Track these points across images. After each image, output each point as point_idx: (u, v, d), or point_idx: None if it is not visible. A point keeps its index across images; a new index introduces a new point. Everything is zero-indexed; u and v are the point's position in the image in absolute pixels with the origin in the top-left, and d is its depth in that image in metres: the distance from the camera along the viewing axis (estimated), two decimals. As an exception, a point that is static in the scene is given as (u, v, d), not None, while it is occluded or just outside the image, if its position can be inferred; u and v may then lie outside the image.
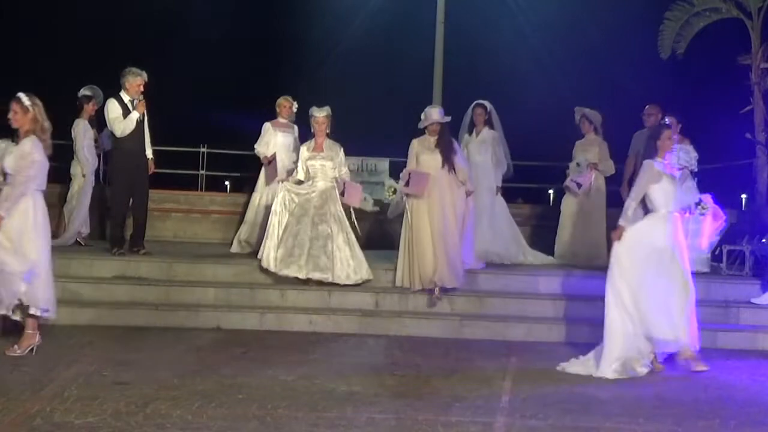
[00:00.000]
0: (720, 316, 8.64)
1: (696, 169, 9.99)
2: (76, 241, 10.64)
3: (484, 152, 10.27)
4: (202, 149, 14.49)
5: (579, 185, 10.33)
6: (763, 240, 9.67)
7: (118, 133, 9.39)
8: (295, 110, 10.68)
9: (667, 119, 10.15)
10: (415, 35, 21.15)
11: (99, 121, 10.57)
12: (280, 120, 10.54)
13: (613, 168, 10.54)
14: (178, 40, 22.76)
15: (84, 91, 10.83)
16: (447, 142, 8.94)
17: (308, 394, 5.94)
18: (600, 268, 9.76)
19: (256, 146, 10.45)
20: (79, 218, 10.64)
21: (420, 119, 9.01)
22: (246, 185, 12.98)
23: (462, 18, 21.00)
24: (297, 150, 9.81)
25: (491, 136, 10.31)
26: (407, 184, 8.88)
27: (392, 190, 9.72)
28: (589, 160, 10.34)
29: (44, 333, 7.61)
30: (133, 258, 9.20)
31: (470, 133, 10.41)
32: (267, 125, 10.54)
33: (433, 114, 8.91)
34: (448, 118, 9.02)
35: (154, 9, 22.21)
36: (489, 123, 10.36)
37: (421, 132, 9.11)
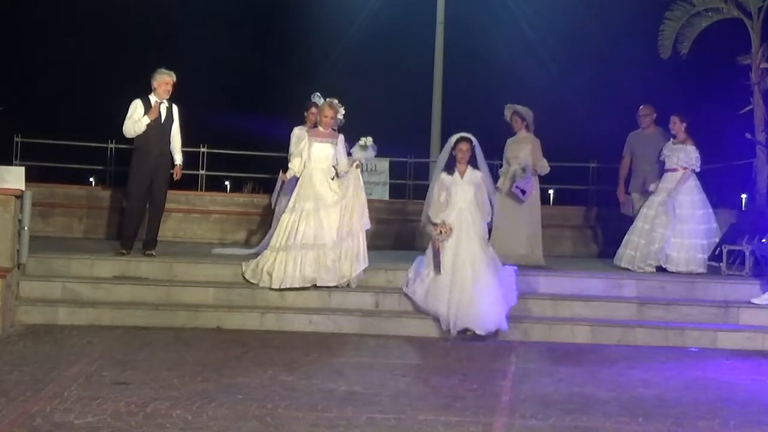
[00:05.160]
0: (720, 316, 8.64)
1: (698, 170, 10.02)
2: None
3: (474, 196, 8.70)
4: (202, 149, 14.52)
5: (523, 192, 9.93)
6: (763, 240, 9.66)
7: (124, 131, 9.41)
8: (341, 117, 9.13)
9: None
10: (415, 36, 21.18)
11: None
12: (320, 129, 9.10)
13: (547, 167, 10.24)
14: (178, 39, 22.76)
15: (312, 98, 10.17)
16: None
17: (308, 394, 5.94)
18: (536, 267, 9.70)
19: (290, 158, 9.20)
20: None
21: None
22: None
23: (462, 18, 21.02)
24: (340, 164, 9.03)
25: (479, 176, 8.73)
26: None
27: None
28: (522, 158, 9.97)
29: (44, 333, 7.63)
30: (133, 258, 9.20)
31: (449, 171, 8.71)
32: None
33: None
34: None
35: (154, 9, 22.22)
36: (473, 161, 8.78)
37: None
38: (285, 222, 8.83)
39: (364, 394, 6.00)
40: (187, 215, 12.64)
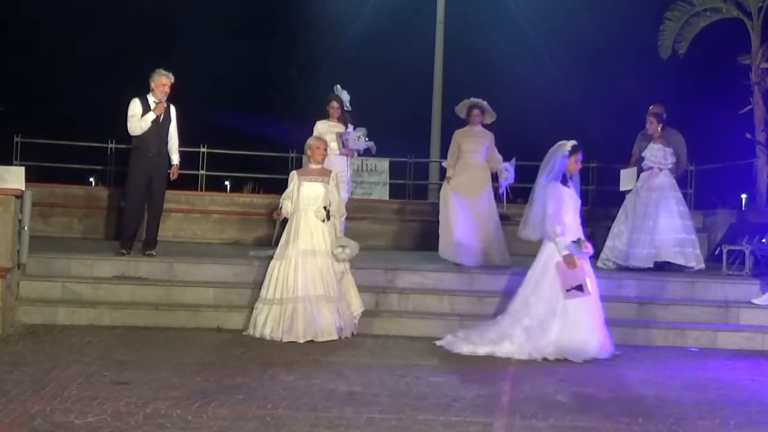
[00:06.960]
0: (720, 316, 8.64)
1: (667, 167, 9.94)
2: None
3: None
4: (202, 149, 14.54)
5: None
6: (763, 240, 9.67)
7: (130, 131, 9.40)
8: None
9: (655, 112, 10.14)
10: (415, 35, 21.18)
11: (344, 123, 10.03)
12: (311, 166, 8.44)
13: (501, 159, 10.13)
14: (179, 39, 22.76)
15: (334, 90, 10.07)
16: None
17: (308, 394, 5.94)
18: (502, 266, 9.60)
19: (282, 199, 8.41)
20: None
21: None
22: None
23: (462, 18, 21.02)
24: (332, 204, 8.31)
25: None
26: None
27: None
28: (481, 152, 9.86)
29: (44, 333, 7.62)
30: (133, 258, 9.19)
31: (565, 184, 7.65)
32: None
33: None
34: None
35: (154, 8, 22.21)
36: None
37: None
38: (275, 271, 8.10)
39: (364, 394, 6.00)
40: (187, 215, 12.64)
